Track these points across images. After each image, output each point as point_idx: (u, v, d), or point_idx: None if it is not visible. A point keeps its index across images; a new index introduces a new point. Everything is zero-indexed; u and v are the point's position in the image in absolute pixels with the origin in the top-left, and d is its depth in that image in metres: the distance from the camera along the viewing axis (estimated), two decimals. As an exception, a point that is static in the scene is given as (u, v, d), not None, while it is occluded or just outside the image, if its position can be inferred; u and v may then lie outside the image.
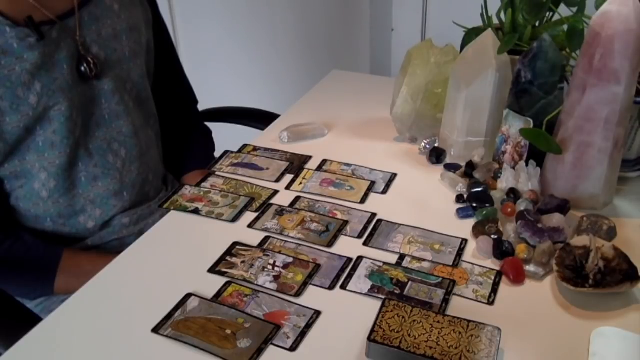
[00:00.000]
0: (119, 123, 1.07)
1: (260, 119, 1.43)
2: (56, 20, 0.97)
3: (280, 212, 0.97)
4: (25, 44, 0.92)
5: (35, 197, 1.01)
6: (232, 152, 1.15)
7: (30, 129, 0.95)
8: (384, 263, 0.85)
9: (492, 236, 0.88)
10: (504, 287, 0.81)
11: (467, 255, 0.87)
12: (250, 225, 0.94)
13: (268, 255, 0.87)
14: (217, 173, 1.08)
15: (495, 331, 0.70)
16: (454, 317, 0.72)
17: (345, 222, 0.94)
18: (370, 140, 1.19)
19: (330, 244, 0.89)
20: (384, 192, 1.03)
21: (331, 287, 0.81)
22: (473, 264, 0.85)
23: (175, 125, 1.28)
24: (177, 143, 1.29)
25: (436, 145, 1.12)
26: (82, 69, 0.99)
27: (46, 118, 0.96)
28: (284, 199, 1.01)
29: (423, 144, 1.13)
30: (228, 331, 0.74)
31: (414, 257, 0.86)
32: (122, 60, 1.06)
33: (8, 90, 0.92)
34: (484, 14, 1.12)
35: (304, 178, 1.06)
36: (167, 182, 1.24)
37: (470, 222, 0.93)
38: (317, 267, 0.85)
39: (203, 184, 1.05)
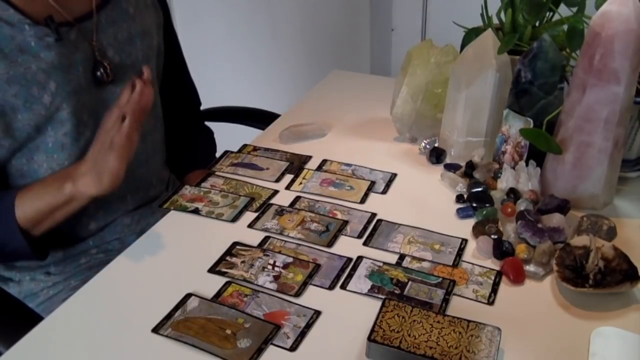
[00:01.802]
0: None
1: (260, 119, 1.43)
2: (74, 22, 0.97)
3: (280, 212, 0.97)
4: (42, 43, 0.93)
5: None
6: (232, 152, 1.15)
7: (40, 128, 0.95)
8: (384, 263, 0.85)
9: (492, 236, 0.88)
10: (504, 287, 0.81)
11: (467, 255, 0.87)
12: (250, 225, 0.94)
13: (268, 255, 0.87)
14: (217, 173, 1.08)
15: (495, 331, 0.70)
16: (454, 317, 0.72)
17: (345, 222, 0.94)
18: (370, 140, 1.19)
19: (330, 244, 0.89)
20: (384, 192, 1.03)
21: (331, 287, 0.81)
22: (473, 264, 0.85)
23: (179, 126, 1.28)
24: (180, 144, 1.29)
25: (436, 145, 1.12)
26: (98, 74, 1.00)
27: (57, 119, 0.96)
28: (284, 199, 1.01)
29: (423, 144, 1.13)
30: (228, 331, 0.74)
31: (414, 257, 0.86)
32: (135, 65, 1.06)
33: (22, 88, 0.92)
34: (484, 14, 1.12)
35: (304, 178, 1.06)
36: (169, 182, 1.24)
37: (470, 222, 0.93)
38: (317, 267, 0.85)
39: (203, 184, 1.05)
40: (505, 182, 0.97)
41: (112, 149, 0.86)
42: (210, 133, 1.37)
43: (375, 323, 0.71)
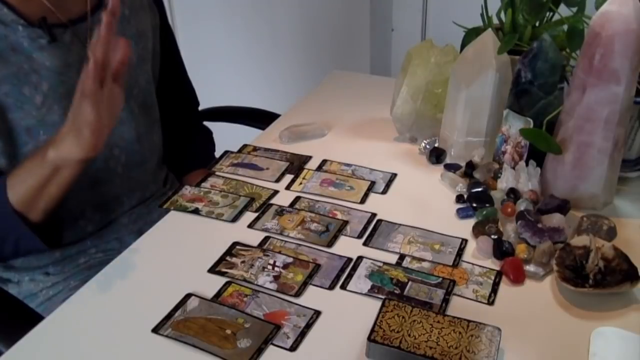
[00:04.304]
0: (122, 129, 1.06)
1: (260, 119, 1.43)
2: (68, 24, 0.97)
3: (280, 212, 0.97)
4: (35, 45, 0.92)
5: None
6: (232, 152, 1.15)
7: (31, 131, 0.95)
8: (384, 263, 0.85)
9: (492, 236, 0.88)
10: (504, 287, 0.81)
11: (467, 255, 0.87)
12: (250, 225, 0.94)
13: (268, 255, 0.87)
14: (217, 173, 1.08)
15: (495, 331, 0.70)
16: (454, 317, 0.72)
17: (345, 222, 0.94)
18: (370, 140, 1.19)
19: (330, 244, 0.89)
20: (384, 192, 1.03)
21: (331, 287, 0.81)
22: (473, 264, 0.85)
23: (177, 127, 1.28)
24: (178, 144, 1.29)
25: (436, 145, 1.12)
26: None
27: (49, 121, 0.95)
28: (284, 199, 1.01)
29: (423, 144, 1.13)
30: (228, 331, 0.74)
31: (414, 257, 0.86)
32: (130, 66, 1.06)
33: (14, 88, 0.92)
34: (484, 14, 1.12)
35: (304, 178, 1.06)
36: (167, 182, 1.24)
37: (470, 222, 0.93)
38: (317, 267, 0.85)
39: (203, 184, 1.05)
40: (505, 182, 0.97)
41: (84, 96, 0.79)
42: (208, 133, 1.37)
43: (375, 323, 0.71)
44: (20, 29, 0.91)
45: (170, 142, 1.25)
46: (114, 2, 0.79)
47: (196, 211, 0.98)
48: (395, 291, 0.80)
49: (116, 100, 0.85)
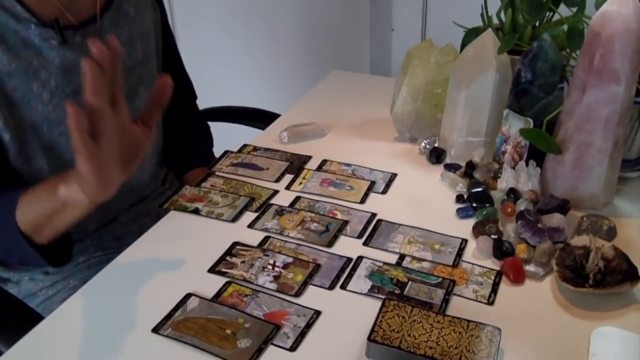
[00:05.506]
0: None
1: (260, 118, 1.43)
2: (78, 26, 0.97)
3: (280, 212, 0.97)
4: (47, 44, 0.92)
5: None
6: (232, 152, 1.15)
7: (35, 126, 0.95)
8: (384, 263, 0.85)
9: (492, 236, 0.88)
10: (504, 287, 0.81)
11: (467, 255, 0.87)
12: (250, 225, 0.94)
13: (268, 255, 0.87)
14: (217, 173, 1.08)
15: (495, 331, 0.70)
16: (454, 317, 0.72)
17: (345, 222, 0.94)
18: (370, 140, 1.19)
19: (330, 244, 0.89)
20: (384, 192, 1.03)
21: (331, 287, 0.81)
22: (473, 264, 0.85)
23: (176, 122, 1.28)
24: (178, 141, 1.29)
25: (436, 145, 1.12)
26: None
27: (55, 119, 0.95)
28: (284, 199, 1.01)
29: (423, 144, 1.13)
30: (228, 331, 0.74)
31: (414, 257, 0.86)
32: (135, 66, 1.06)
33: (23, 83, 0.91)
34: (484, 14, 1.12)
35: (304, 178, 1.06)
36: (166, 181, 1.24)
37: (470, 222, 0.93)
38: (317, 267, 0.85)
39: (203, 184, 1.05)
40: (505, 182, 0.97)
41: (77, 150, 0.71)
42: (206, 127, 1.37)
43: (375, 323, 0.71)
44: (32, 27, 0.91)
45: (169, 137, 1.25)
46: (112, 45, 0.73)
47: (196, 211, 0.98)
48: (395, 291, 0.80)
49: (139, 144, 0.77)
